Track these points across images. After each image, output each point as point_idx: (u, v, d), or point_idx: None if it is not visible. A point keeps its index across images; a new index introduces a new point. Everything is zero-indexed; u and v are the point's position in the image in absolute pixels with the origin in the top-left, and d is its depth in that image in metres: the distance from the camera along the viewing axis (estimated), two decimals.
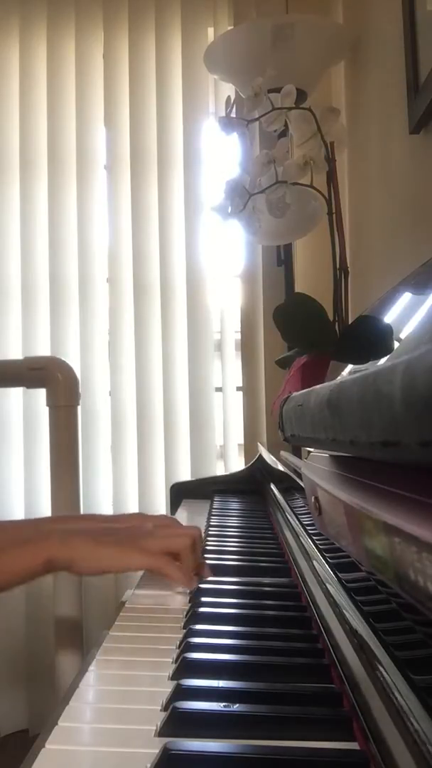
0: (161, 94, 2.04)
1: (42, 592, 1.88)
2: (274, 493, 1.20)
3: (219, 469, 1.99)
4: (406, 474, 0.36)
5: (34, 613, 1.95)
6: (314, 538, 0.71)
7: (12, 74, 2.07)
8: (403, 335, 0.56)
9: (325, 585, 0.60)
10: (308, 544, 0.73)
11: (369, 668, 0.41)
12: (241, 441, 2.01)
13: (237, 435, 2.01)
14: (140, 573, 0.83)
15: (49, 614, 1.76)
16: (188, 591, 0.72)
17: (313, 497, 0.62)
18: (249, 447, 1.98)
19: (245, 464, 1.79)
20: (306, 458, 0.78)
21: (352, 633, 0.47)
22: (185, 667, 0.50)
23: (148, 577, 0.81)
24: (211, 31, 2.04)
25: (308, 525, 0.76)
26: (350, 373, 0.69)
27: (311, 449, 0.74)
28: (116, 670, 0.53)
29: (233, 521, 1.20)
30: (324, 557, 0.63)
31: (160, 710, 0.45)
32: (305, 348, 0.99)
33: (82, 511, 1.76)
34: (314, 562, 0.67)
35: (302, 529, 0.80)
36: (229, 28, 1.97)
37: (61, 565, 0.67)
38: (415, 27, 1.12)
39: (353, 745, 0.39)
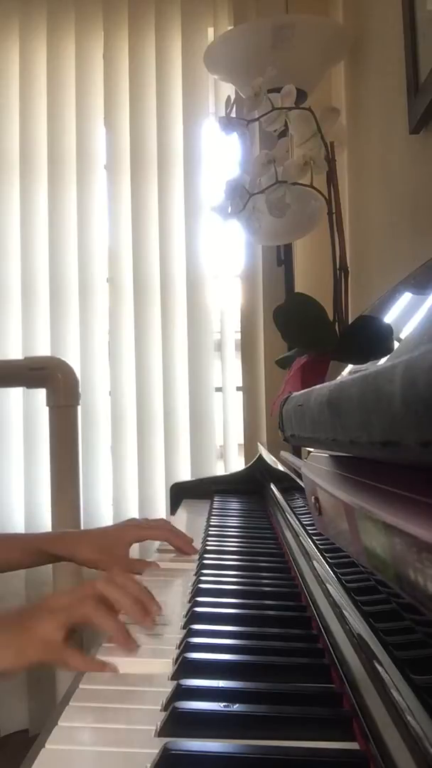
0: (161, 94, 2.04)
1: (43, 591, 1.88)
2: (274, 493, 1.20)
3: (219, 469, 1.99)
4: (406, 474, 0.36)
5: None
6: (314, 538, 0.71)
7: (12, 74, 2.07)
8: (403, 335, 0.56)
9: (325, 585, 0.60)
10: (308, 544, 0.73)
11: (369, 668, 0.41)
12: (241, 441, 2.01)
13: (237, 435, 2.00)
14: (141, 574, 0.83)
15: None
16: (189, 589, 0.72)
17: (313, 497, 0.62)
18: (249, 447, 1.98)
19: (245, 464, 1.79)
20: (306, 458, 0.78)
21: (352, 633, 0.47)
22: (185, 667, 0.50)
23: (148, 578, 0.81)
24: (211, 31, 2.04)
25: (308, 525, 0.76)
26: (350, 373, 0.69)
27: (311, 449, 0.74)
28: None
29: (233, 521, 1.20)
30: (324, 557, 0.63)
31: (160, 710, 0.45)
32: (305, 348, 0.99)
33: (82, 512, 1.76)
34: (314, 562, 0.67)
35: (302, 529, 0.80)
36: (229, 28, 1.97)
37: None
38: (415, 27, 1.12)
39: (353, 745, 0.39)
